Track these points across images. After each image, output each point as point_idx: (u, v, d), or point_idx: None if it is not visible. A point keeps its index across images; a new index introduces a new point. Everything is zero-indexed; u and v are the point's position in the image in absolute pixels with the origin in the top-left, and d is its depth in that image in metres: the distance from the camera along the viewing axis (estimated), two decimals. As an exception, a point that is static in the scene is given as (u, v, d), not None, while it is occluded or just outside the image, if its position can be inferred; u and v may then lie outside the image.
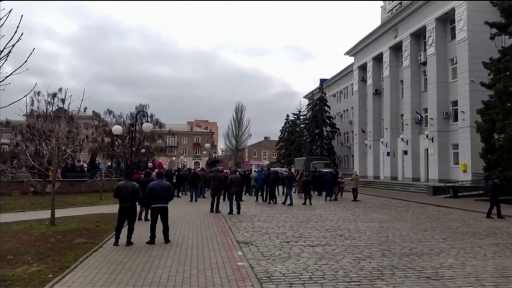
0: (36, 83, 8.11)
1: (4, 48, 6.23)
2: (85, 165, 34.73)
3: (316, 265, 7.56)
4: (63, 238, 9.55)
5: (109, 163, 34.55)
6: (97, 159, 33.04)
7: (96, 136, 27.59)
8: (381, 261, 7.94)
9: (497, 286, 6.30)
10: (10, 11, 6.35)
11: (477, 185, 24.54)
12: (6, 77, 6.54)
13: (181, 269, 7.05)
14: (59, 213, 13.45)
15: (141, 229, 10.55)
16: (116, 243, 9.03)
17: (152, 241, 9.29)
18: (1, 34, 6.45)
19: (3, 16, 6.29)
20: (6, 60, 6.87)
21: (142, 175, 14.58)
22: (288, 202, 19.33)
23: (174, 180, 22.28)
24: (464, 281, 6.54)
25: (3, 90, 6.34)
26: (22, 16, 6.28)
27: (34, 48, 6.65)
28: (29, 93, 8.79)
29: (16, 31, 6.17)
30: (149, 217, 11.71)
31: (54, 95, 25.52)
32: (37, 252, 8.04)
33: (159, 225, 9.47)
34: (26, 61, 6.66)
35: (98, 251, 8.42)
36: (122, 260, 7.70)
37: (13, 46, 6.67)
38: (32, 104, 25.75)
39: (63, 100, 26.22)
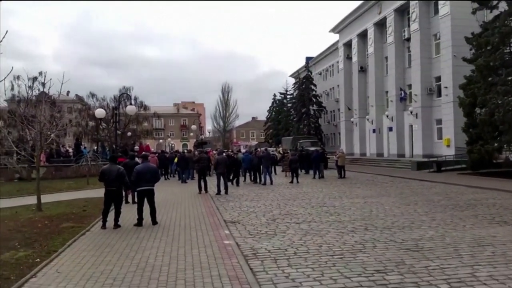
0: (12, 67, 7.97)
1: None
2: (70, 150, 34.38)
3: (301, 241, 7.76)
4: (50, 223, 9.57)
5: (95, 147, 34.25)
6: (82, 143, 32.69)
7: (80, 120, 27.22)
8: (363, 235, 8.18)
9: (473, 255, 6.57)
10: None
11: (460, 159, 25.09)
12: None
13: (169, 249, 7.17)
14: (46, 198, 13.41)
15: (128, 212, 10.63)
16: (103, 227, 9.10)
17: (139, 223, 9.38)
18: None
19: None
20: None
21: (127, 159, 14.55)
22: (262, 182, 19.49)
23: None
24: (443, 252, 6.80)
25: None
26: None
27: (7, 31, 6.51)
28: (6, 77, 8.66)
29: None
30: (136, 199, 11.82)
31: (34, 79, 24.94)
32: (24, 238, 8.07)
33: (146, 208, 9.54)
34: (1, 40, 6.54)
35: (85, 235, 8.49)
36: (110, 242, 7.78)
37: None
38: (12, 89, 25.17)
39: (43, 84, 25.71)
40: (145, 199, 9.56)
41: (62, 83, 11.93)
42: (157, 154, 25.64)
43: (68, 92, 59.09)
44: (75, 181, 21.99)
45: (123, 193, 10.42)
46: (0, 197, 15.80)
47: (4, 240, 7.85)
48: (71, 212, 11.36)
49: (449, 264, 6.08)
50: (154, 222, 9.53)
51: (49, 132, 12.34)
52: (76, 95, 58.77)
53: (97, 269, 6.02)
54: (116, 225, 9.17)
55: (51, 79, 12.07)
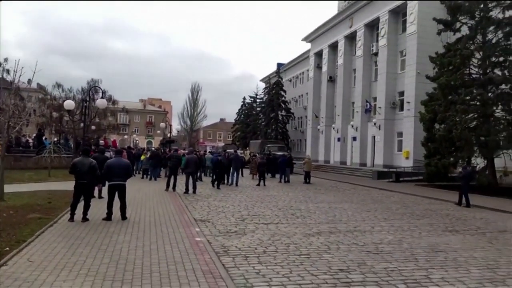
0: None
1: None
2: (30, 140, 33.12)
3: (269, 240, 8.08)
4: (15, 213, 9.38)
5: (55, 139, 33.16)
6: (44, 134, 31.59)
7: (45, 110, 26.34)
8: (328, 237, 8.62)
9: (428, 259, 7.14)
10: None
11: (418, 171, 26.39)
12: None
13: (141, 243, 7.28)
14: (7, 188, 12.95)
15: (96, 206, 10.57)
16: (71, 219, 9.03)
17: (108, 217, 9.37)
18: None
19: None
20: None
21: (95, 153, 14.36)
22: (230, 183, 20.00)
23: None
24: (401, 255, 7.33)
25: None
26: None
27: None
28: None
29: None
30: (103, 194, 11.73)
31: (-3, 65, 23.92)
32: (-11, 227, 7.89)
33: (116, 203, 9.54)
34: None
35: (53, 226, 8.41)
36: (80, 235, 7.78)
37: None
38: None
39: (7, 71, 24.71)
40: (116, 194, 9.56)
41: (34, 72, 11.66)
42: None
43: (29, 81, 56.72)
44: (36, 173, 21.32)
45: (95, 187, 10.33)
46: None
47: (-32, 228, 7.66)
48: (35, 203, 11.12)
49: (406, 266, 6.60)
50: (124, 217, 9.55)
51: (15, 121, 12.01)
52: (38, 84, 56.47)
53: (70, 260, 6.06)
54: (85, 218, 9.13)
55: (23, 67, 11.71)
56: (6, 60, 22.88)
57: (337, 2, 44.68)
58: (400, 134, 31.30)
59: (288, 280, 5.65)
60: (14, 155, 25.29)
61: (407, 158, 29.24)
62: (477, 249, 8.05)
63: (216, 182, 18.66)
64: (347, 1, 40.52)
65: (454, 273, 6.32)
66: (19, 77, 11.94)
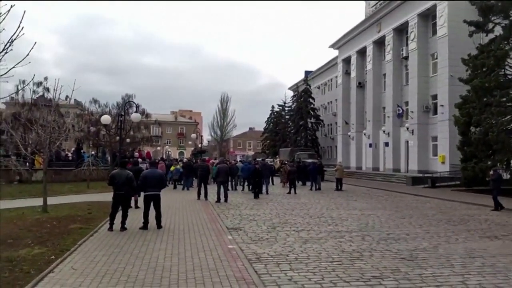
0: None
1: (8, 43, 6.49)
2: (69, 154, 34.59)
3: (301, 248, 8.14)
4: (58, 224, 9.90)
5: (93, 152, 34.48)
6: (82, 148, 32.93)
7: (82, 125, 27.57)
8: (361, 244, 8.58)
9: (465, 265, 6.98)
10: (11, 7, 6.60)
11: (454, 176, 25.59)
12: (8, 70, 6.80)
13: (176, 251, 7.53)
14: (49, 200, 13.66)
15: (133, 216, 10.93)
16: (110, 229, 9.43)
17: (145, 226, 9.72)
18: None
19: (4, 13, 6.55)
20: (6, 52, 7.13)
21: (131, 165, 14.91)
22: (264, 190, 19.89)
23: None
24: (436, 262, 7.20)
25: (7, 82, 6.62)
26: (24, 11, 6.55)
27: (35, 42, 6.92)
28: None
29: (19, 27, 6.43)
30: (139, 204, 12.14)
31: (39, 84, 25.36)
32: (36, 237, 8.39)
33: (151, 212, 9.89)
34: (27, 54, 6.95)
35: (94, 236, 8.82)
36: (119, 243, 8.13)
37: (13, 40, 6.94)
38: (17, 92, 25.49)
39: (47, 89, 26.13)
40: (151, 204, 9.91)
41: (73, 90, 12.36)
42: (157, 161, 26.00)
43: (67, 97, 59.47)
44: (75, 185, 22.26)
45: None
46: (3, 198, 16.10)
47: (17, 238, 8.19)
48: (76, 214, 11.68)
49: (441, 272, 6.49)
50: (159, 226, 9.88)
51: (56, 138, 12.69)
52: (75, 100, 59.11)
53: (110, 267, 6.37)
54: (123, 228, 9.51)
55: (62, 86, 12.44)
56: (46, 79, 24.18)
57: (364, 7, 44.35)
58: (434, 139, 30.50)
59: (320, 287, 5.70)
60: (54, 169, 26.47)
61: (443, 162, 28.42)
62: (517, 255, 7.78)
63: (256, 191, 18.18)
64: (374, 7, 40.20)
65: (492, 279, 6.16)
66: (59, 95, 12.64)
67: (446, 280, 6.05)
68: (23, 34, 6.53)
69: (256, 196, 17.89)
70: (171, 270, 6.25)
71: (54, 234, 8.71)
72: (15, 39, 6.82)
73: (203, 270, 6.26)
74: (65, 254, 7.07)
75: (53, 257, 6.85)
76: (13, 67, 6.91)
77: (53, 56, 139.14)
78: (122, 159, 11.86)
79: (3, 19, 6.67)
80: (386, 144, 36.32)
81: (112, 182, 9.57)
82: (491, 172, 15.49)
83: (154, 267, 6.40)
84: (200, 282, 5.71)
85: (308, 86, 54.88)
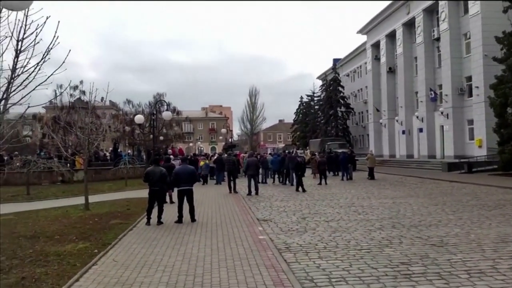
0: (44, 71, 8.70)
1: (46, 52, 6.96)
2: (107, 153, 36.10)
3: (330, 237, 8.30)
4: (99, 220, 10.53)
5: (129, 151, 35.79)
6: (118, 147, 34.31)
7: (118, 125, 28.81)
8: (390, 232, 8.63)
9: (496, 250, 6.93)
10: (47, 18, 7.07)
11: (492, 160, 24.74)
12: (47, 78, 7.29)
13: (209, 242, 7.89)
14: (90, 199, 14.46)
15: (168, 211, 11.44)
16: (148, 223, 9.94)
17: (180, 220, 10.17)
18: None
19: (40, 25, 7.03)
20: (44, 61, 7.65)
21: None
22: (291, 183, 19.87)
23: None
24: (467, 247, 7.18)
25: (46, 89, 7.11)
26: (59, 22, 6.99)
27: (70, 50, 7.36)
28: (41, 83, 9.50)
29: (54, 36, 6.89)
30: (174, 199, 12.66)
31: (75, 87, 26.62)
32: (79, 232, 9.01)
33: (185, 206, 10.33)
34: (64, 62, 7.41)
35: (133, 230, 9.35)
36: (156, 236, 8.60)
37: (50, 49, 7.43)
38: (55, 96, 26.88)
39: (83, 92, 27.38)
40: (185, 198, 10.34)
41: (107, 92, 12.98)
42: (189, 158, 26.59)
43: (102, 98, 61.74)
44: (114, 183, 23.25)
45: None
46: (48, 198, 17.17)
47: (63, 234, 8.83)
48: (116, 210, 12.34)
49: (471, 257, 6.49)
50: (193, 219, 10.30)
51: (96, 138, 13.42)
52: (110, 101, 61.27)
53: (149, 259, 6.80)
54: (159, 222, 10.00)
55: (97, 89, 13.11)
56: (81, 82, 25.32)
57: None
58: (470, 122, 29.49)
59: (347, 273, 5.87)
60: (94, 169, 27.74)
61: (480, 146, 27.47)
62: (554, 238, 7.61)
63: (301, 185, 17.36)
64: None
65: (524, 263, 6.11)
66: (94, 97, 13.32)
67: (476, 265, 6.06)
68: (59, 43, 6.97)
69: (304, 190, 17.03)
70: (204, 260, 6.60)
71: (96, 229, 9.31)
72: (51, 48, 7.31)
73: (234, 260, 6.57)
74: (107, 247, 7.58)
75: (96, 250, 7.37)
76: (52, 74, 7.41)
77: (87, 59, 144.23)
78: (155, 157, 12.37)
79: (40, 30, 7.16)
80: (420, 130, 35.44)
81: (147, 179, 10.07)
82: None
83: (189, 258, 6.78)
84: (232, 270, 6.01)
85: (337, 75, 54.15)
